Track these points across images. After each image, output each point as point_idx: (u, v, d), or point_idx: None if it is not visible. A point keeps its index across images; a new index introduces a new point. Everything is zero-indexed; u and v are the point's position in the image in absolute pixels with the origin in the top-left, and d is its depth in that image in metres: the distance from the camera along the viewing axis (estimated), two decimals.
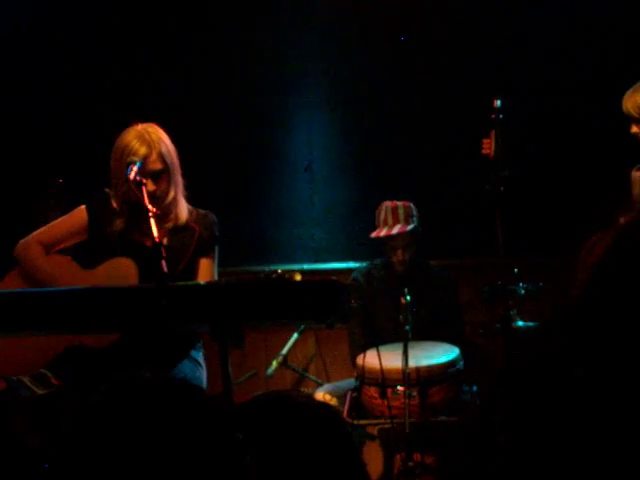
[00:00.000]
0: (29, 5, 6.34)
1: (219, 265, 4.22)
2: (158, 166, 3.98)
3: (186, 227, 4.14)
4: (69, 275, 3.96)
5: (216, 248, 4.20)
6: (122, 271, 3.88)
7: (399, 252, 5.30)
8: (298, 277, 3.11)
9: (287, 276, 3.10)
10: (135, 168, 3.85)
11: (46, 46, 6.28)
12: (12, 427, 4.13)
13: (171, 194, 4.06)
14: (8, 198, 5.99)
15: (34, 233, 4.11)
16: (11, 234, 4.16)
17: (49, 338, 3.70)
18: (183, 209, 4.14)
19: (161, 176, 4.00)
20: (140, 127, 4.03)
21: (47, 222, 4.21)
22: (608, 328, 1.68)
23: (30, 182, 5.93)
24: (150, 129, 4.03)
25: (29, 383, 3.77)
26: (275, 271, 3.14)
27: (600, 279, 1.73)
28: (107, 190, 4.12)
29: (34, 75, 6.25)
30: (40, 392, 3.77)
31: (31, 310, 3.21)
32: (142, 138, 3.97)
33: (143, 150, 3.94)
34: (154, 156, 3.96)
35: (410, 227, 5.24)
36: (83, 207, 4.15)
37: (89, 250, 4.12)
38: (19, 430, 4.04)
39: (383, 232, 5.25)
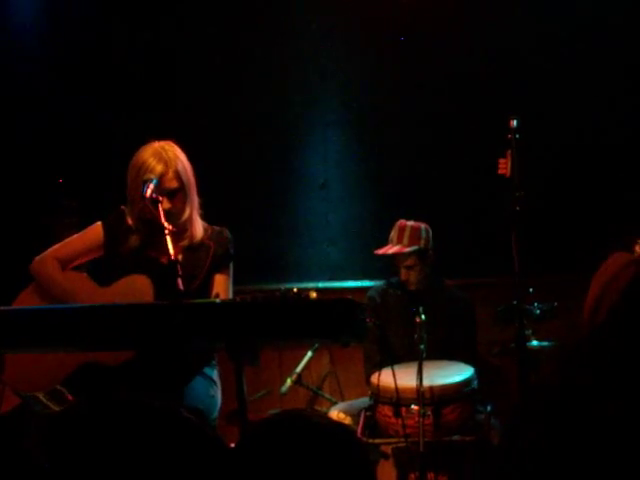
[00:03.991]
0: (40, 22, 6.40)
1: (234, 283, 4.22)
2: (174, 184, 3.98)
3: (201, 245, 4.14)
4: (85, 292, 3.96)
5: (231, 265, 4.20)
6: (138, 288, 3.87)
7: (403, 272, 5.34)
8: (314, 295, 3.12)
9: (303, 294, 3.10)
10: (151, 186, 3.85)
11: (64, 67, 6.33)
12: (23, 444, 4.14)
13: (187, 212, 4.06)
14: (24, 216, 6.01)
15: (50, 249, 4.11)
16: (27, 251, 4.16)
17: (65, 355, 3.70)
18: (198, 227, 4.14)
19: (177, 194, 4.00)
20: (157, 145, 4.03)
21: (63, 239, 4.22)
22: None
23: (46, 200, 5.96)
24: (167, 147, 4.03)
25: (44, 399, 3.77)
26: (291, 289, 3.15)
27: (629, 307, 1.71)
28: (123, 207, 4.13)
29: (48, 92, 6.29)
30: (55, 408, 3.77)
31: (47, 327, 3.23)
32: (159, 156, 3.97)
33: (159, 168, 3.94)
34: (170, 174, 3.96)
35: (409, 249, 5.25)
36: (99, 224, 4.16)
37: (104, 267, 4.13)
38: (29, 447, 4.05)
39: (382, 250, 5.32)
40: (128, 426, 2.82)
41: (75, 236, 4.20)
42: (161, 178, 3.94)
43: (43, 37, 6.42)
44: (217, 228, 4.23)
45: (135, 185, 3.96)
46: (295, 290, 3.27)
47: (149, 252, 4.09)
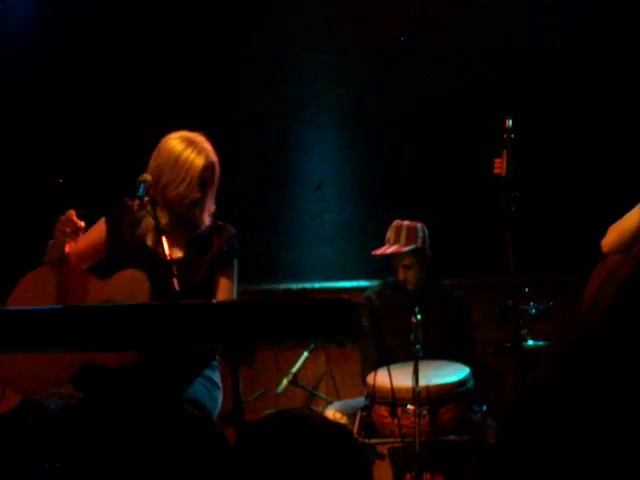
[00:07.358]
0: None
1: (240, 281, 4.20)
2: (209, 174, 4.05)
3: (205, 237, 4.13)
4: (79, 286, 3.93)
5: (235, 262, 4.18)
6: (133, 283, 3.84)
7: (400, 271, 5.35)
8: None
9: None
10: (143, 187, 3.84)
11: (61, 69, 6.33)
12: (22, 444, 4.13)
13: (209, 204, 4.11)
14: (26, 215, 5.98)
15: None
16: (27, 251, 4.14)
17: (64, 358, 3.68)
18: (207, 221, 4.16)
19: (209, 184, 4.06)
20: (191, 135, 4.08)
21: None
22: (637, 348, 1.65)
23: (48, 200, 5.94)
24: (200, 137, 4.09)
25: (53, 399, 3.75)
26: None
27: (628, 299, 1.71)
28: (127, 200, 4.11)
29: (47, 102, 6.28)
30: (71, 401, 3.73)
31: (47, 327, 3.22)
32: (199, 147, 4.03)
33: (201, 159, 4.00)
34: (209, 164, 4.04)
35: (407, 248, 5.26)
36: (103, 219, 4.15)
37: (107, 260, 4.11)
38: (29, 447, 4.04)
39: (380, 250, 5.32)
40: (130, 420, 2.83)
41: (82, 235, 4.17)
42: (203, 167, 3.99)
43: (39, 37, 6.41)
44: (221, 223, 4.23)
45: (175, 172, 3.97)
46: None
47: (153, 245, 4.06)
